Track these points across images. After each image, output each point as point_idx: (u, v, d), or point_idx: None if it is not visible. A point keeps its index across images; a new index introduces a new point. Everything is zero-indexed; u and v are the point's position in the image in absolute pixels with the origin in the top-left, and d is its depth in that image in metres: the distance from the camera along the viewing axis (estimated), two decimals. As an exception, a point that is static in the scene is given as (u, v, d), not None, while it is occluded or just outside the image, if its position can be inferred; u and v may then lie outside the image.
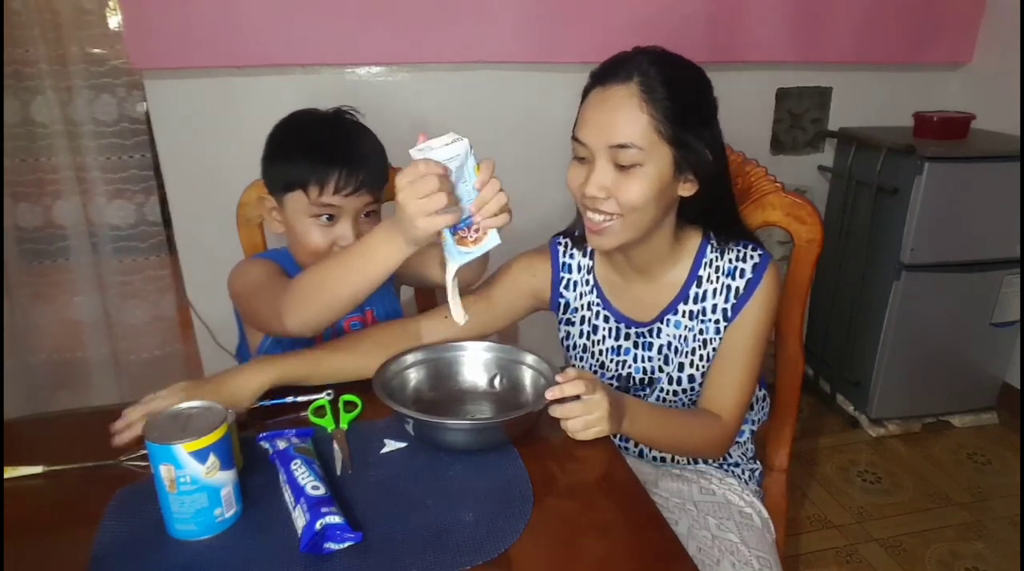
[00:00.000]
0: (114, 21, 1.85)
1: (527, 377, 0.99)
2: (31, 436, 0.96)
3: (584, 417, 0.86)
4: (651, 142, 0.88)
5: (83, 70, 1.82)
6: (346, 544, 0.70)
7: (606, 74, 0.92)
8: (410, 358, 1.00)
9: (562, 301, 1.10)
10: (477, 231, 0.84)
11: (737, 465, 1.13)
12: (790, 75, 2.20)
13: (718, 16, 1.98)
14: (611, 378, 1.09)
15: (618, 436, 1.13)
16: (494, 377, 1.01)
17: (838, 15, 2.08)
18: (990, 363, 2.28)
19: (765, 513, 1.08)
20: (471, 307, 1.04)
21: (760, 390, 1.14)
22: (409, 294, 1.38)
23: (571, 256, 1.09)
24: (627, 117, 0.88)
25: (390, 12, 1.77)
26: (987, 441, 2.23)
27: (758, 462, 1.16)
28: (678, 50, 0.97)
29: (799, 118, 2.27)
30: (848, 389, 2.35)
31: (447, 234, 0.83)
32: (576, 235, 1.08)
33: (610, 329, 1.08)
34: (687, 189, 0.94)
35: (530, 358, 0.99)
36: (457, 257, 0.85)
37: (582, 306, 1.09)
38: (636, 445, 1.12)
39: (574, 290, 1.09)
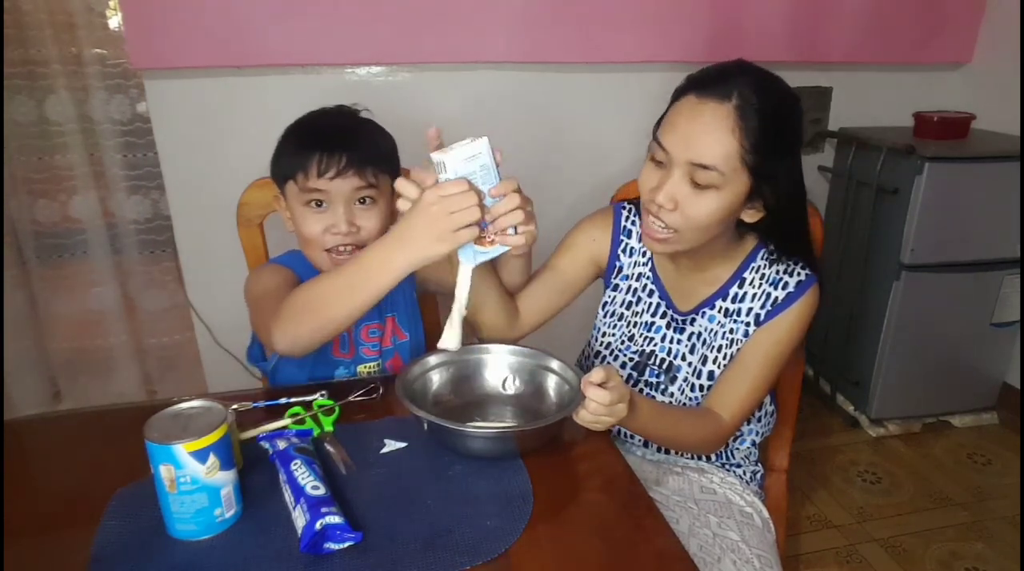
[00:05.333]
0: (114, 22, 1.86)
1: (551, 383, 0.97)
2: (32, 436, 0.96)
3: (611, 406, 0.83)
4: (733, 168, 0.88)
5: (98, 71, 1.87)
6: (346, 544, 0.70)
7: (705, 84, 0.90)
8: (433, 360, 0.98)
9: (617, 264, 1.12)
10: (495, 233, 0.82)
11: (739, 466, 1.13)
12: (790, 75, 2.17)
13: (718, 16, 1.97)
14: (635, 352, 1.10)
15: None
16: (516, 381, 0.99)
17: (838, 15, 2.08)
18: (990, 363, 2.28)
19: (766, 513, 1.08)
20: (539, 283, 1.09)
21: (770, 405, 1.14)
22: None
23: (633, 222, 1.11)
24: (716, 138, 0.87)
25: (390, 12, 1.77)
26: (987, 441, 2.23)
27: (760, 465, 1.16)
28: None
29: (799, 118, 2.27)
30: (848, 389, 2.35)
31: None
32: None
33: (651, 304, 1.09)
34: (751, 215, 0.95)
35: (555, 364, 0.97)
36: (472, 257, 0.83)
37: (633, 275, 1.11)
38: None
39: (630, 257, 1.12)
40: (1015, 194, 2.02)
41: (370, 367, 1.15)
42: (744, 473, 1.13)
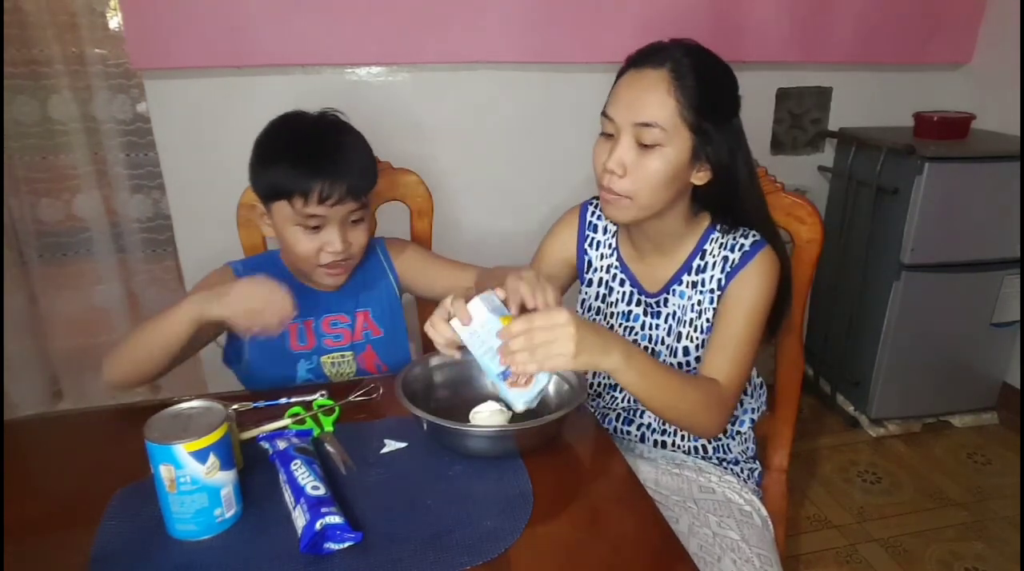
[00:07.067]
0: (115, 22, 1.86)
1: (551, 382, 0.95)
2: (32, 436, 0.96)
3: (542, 334, 0.79)
4: (674, 126, 0.93)
5: (100, 71, 1.88)
6: (346, 544, 0.70)
7: (641, 58, 0.97)
8: (434, 360, 0.99)
9: (586, 258, 1.15)
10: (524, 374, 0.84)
11: (736, 463, 1.13)
12: (790, 75, 2.20)
13: (718, 16, 1.97)
14: None
15: (619, 420, 1.13)
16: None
17: (838, 15, 2.08)
18: (990, 363, 2.28)
19: (764, 512, 1.08)
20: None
21: (757, 377, 1.15)
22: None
23: (599, 217, 1.15)
24: (655, 99, 0.93)
25: (390, 12, 1.77)
26: (987, 441, 2.23)
27: (758, 462, 1.16)
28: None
29: (799, 118, 2.27)
30: (848, 389, 2.35)
31: (499, 382, 0.84)
32: None
33: (624, 293, 1.12)
34: (701, 178, 0.98)
35: None
36: (517, 399, 0.85)
37: (602, 267, 1.14)
38: (638, 428, 1.13)
39: (597, 249, 1.15)
40: (1015, 194, 2.02)
41: (334, 357, 1.15)
42: (742, 471, 1.13)
